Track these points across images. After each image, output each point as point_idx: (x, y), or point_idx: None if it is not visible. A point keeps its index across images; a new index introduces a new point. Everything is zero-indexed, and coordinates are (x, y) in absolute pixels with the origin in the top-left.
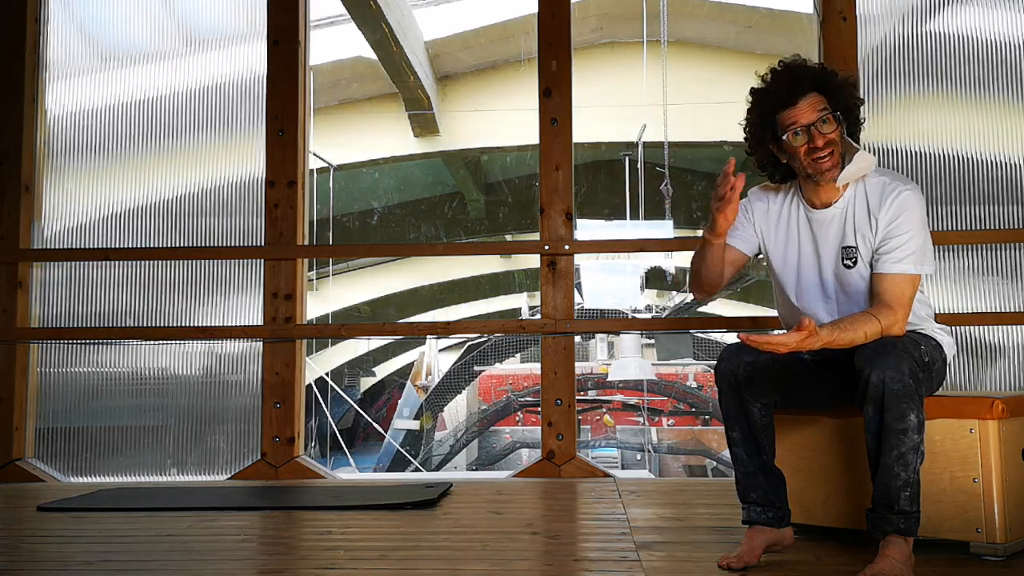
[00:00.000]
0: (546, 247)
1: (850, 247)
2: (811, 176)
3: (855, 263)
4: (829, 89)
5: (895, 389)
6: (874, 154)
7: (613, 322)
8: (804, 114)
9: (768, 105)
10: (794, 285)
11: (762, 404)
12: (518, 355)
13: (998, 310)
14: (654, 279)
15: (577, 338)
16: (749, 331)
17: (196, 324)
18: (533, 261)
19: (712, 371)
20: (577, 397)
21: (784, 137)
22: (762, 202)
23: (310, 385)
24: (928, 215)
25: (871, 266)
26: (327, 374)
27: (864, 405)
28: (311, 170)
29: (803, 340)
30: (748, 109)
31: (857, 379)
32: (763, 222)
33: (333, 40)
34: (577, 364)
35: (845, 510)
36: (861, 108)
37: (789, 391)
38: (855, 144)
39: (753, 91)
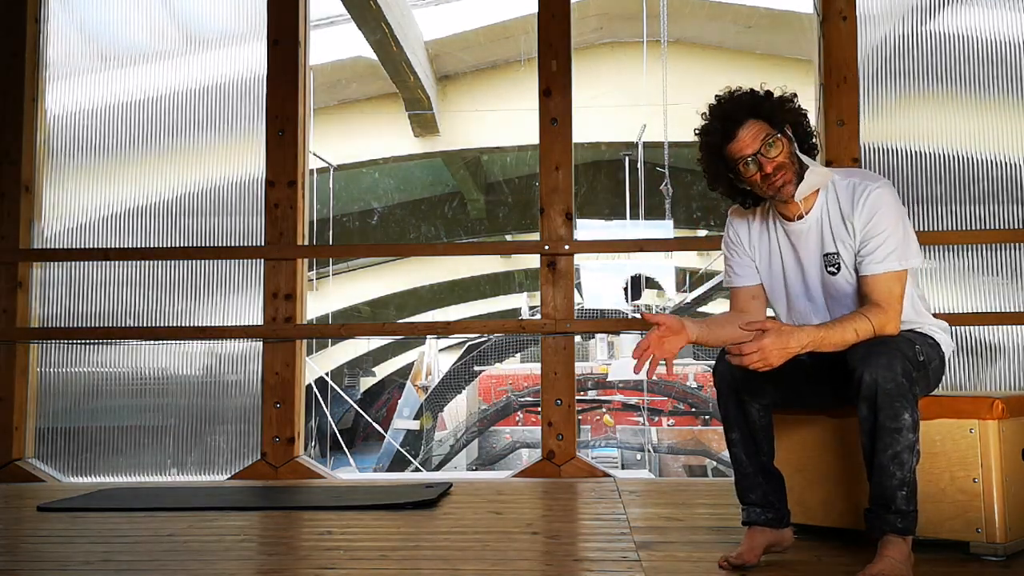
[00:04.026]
0: (546, 247)
1: (832, 254)
2: (771, 198)
3: (839, 269)
4: (764, 112)
5: (888, 388)
6: (830, 166)
7: (613, 322)
8: (747, 144)
9: (712, 143)
10: (784, 298)
11: (760, 405)
12: (518, 355)
13: (998, 310)
14: (651, 282)
15: (577, 338)
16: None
17: (196, 324)
18: (533, 261)
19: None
20: (577, 397)
21: (736, 167)
22: (743, 224)
23: (310, 385)
24: (928, 215)
25: (856, 270)
26: (327, 374)
27: (858, 404)
28: (311, 170)
29: (777, 339)
30: (699, 149)
31: (851, 379)
32: (748, 243)
33: (333, 40)
34: (577, 364)
35: (845, 510)
36: (807, 119)
37: (787, 391)
38: (807, 160)
39: (696, 132)
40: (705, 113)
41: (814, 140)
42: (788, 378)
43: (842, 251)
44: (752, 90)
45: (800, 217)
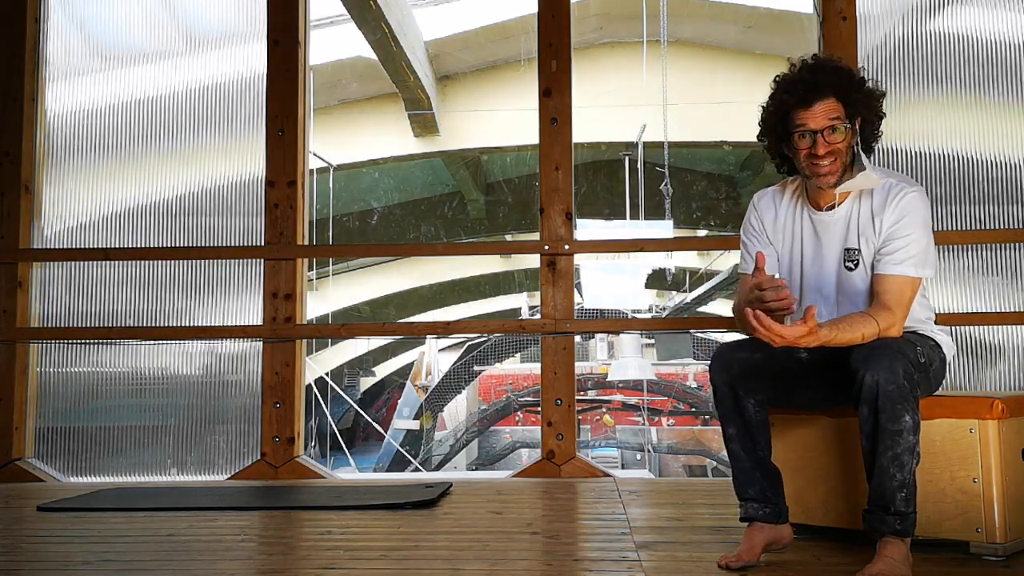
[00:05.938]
0: (546, 247)
1: (853, 249)
2: (807, 178)
3: (857, 265)
4: (849, 97)
5: (889, 390)
6: (877, 166)
7: (613, 322)
8: (816, 119)
9: (785, 102)
10: (797, 286)
11: (756, 400)
12: (518, 355)
13: (998, 310)
14: (655, 279)
15: (577, 338)
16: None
17: (196, 324)
18: (533, 261)
19: None
20: (577, 397)
21: (792, 134)
22: (769, 211)
23: (310, 385)
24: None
25: (872, 268)
26: (327, 374)
27: (859, 406)
28: (311, 170)
29: (801, 337)
30: (770, 95)
31: (852, 380)
32: (772, 230)
33: (333, 40)
34: (577, 364)
35: (845, 510)
36: (880, 122)
37: (784, 389)
38: (865, 161)
39: (776, 79)
40: (795, 66)
41: (875, 144)
42: (785, 376)
43: (864, 248)
44: (850, 70)
45: (831, 207)
